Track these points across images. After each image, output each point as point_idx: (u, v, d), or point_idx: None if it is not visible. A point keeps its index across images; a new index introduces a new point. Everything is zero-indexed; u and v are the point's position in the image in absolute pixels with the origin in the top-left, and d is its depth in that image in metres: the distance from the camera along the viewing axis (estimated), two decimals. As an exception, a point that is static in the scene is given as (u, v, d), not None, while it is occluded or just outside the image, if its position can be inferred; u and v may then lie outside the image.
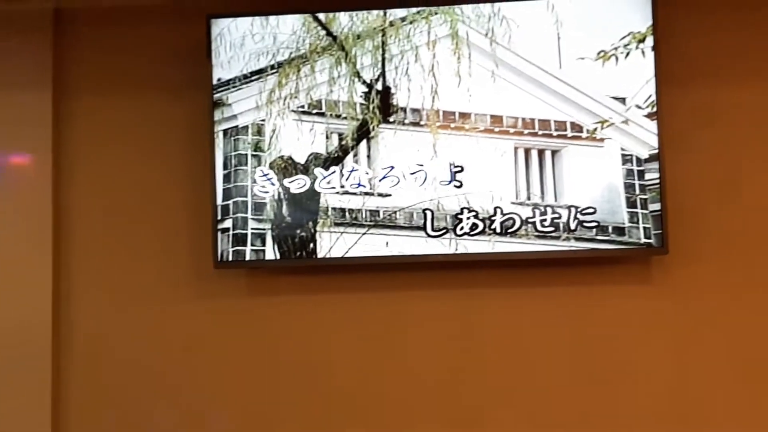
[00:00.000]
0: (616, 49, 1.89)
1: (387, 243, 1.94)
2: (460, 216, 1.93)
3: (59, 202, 2.10)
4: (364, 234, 1.95)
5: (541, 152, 1.95)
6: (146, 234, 2.09)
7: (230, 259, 1.98)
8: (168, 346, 2.08)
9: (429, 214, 1.94)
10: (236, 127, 2.00)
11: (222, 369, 2.05)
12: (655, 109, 1.88)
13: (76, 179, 2.11)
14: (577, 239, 1.91)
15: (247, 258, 1.97)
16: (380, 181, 1.95)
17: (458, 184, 1.94)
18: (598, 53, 1.90)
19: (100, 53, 2.14)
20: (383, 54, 1.97)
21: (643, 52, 1.89)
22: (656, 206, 1.88)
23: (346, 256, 1.94)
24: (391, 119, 1.96)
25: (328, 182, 1.96)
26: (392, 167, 1.95)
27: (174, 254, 2.08)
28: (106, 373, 2.08)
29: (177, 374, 2.07)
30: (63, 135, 2.12)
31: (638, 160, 1.90)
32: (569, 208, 1.91)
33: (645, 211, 1.88)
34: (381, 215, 1.95)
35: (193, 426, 2.06)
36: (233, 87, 1.99)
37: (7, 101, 2.11)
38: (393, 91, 1.96)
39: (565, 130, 1.92)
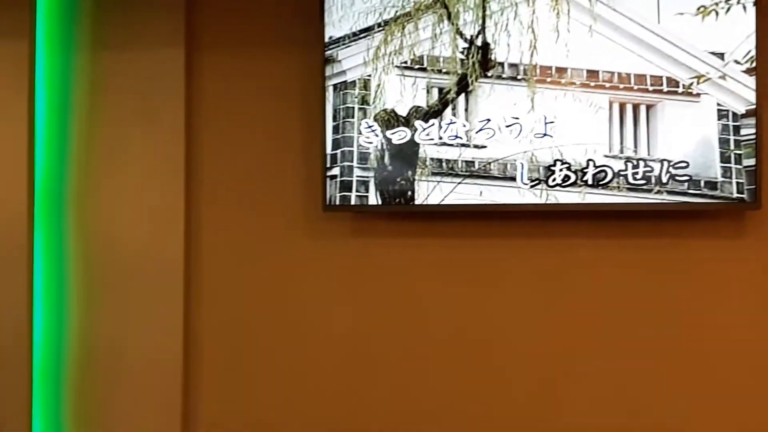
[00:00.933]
0: (716, 4, 1.89)
1: (481, 192, 2.06)
2: (552, 168, 2.01)
3: (190, 150, 2.35)
4: (459, 183, 2.07)
5: (636, 107, 1.98)
6: (263, 179, 2.31)
7: (337, 203, 2.16)
8: (280, 280, 2.30)
9: (522, 165, 2.03)
10: (345, 82, 2.16)
11: (326, 302, 2.26)
12: (754, 65, 1.87)
13: (204, 129, 2.35)
14: (669, 192, 1.95)
15: (352, 203, 2.15)
16: (477, 133, 2.06)
17: (552, 136, 2.01)
18: (698, 8, 1.90)
19: (227, 13, 2.34)
20: (484, 11, 2.05)
21: (744, 7, 1.87)
22: (751, 162, 1.89)
23: (442, 203, 2.08)
24: (490, 74, 2.05)
25: (427, 134, 2.09)
26: (488, 120, 2.05)
27: (287, 198, 2.28)
28: (228, 301, 2.34)
29: (287, 304, 2.29)
30: (193, 88, 2.35)
31: (734, 115, 1.90)
32: (662, 161, 1.95)
33: (739, 167, 1.89)
34: (476, 166, 2.06)
35: (300, 354, 2.28)
36: (343, 44, 2.15)
37: (145, 58, 2.37)
38: (492, 46, 2.05)
39: (661, 85, 1.95)
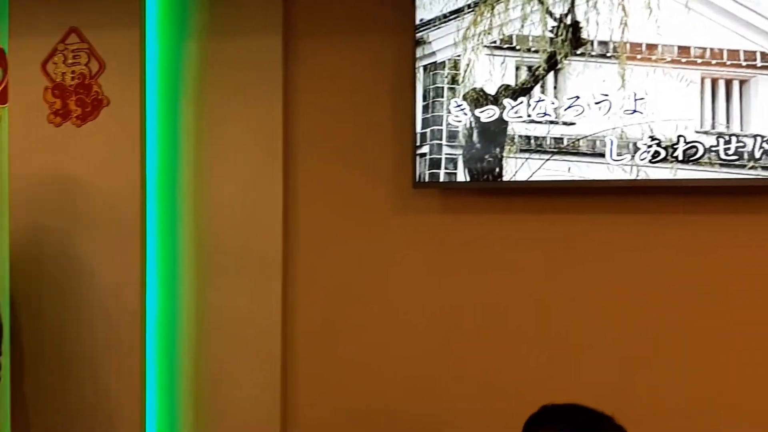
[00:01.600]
0: (815, -24, 1.87)
1: (569, 168, 2.09)
2: (642, 144, 2.03)
3: (288, 131, 2.47)
4: (547, 160, 2.11)
5: (728, 82, 1.97)
6: (355, 159, 2.41)
7: (426, 180, 2.24)
8: (371, 256, 2.39)
9: (612, 141, 2.05)
10: (434, 62, 2.23)
11: (416, 277, 2.34)
12: None
13: (300, 111, 2.47)
14: (763, 168, 1.93)
15: (441, 180, 2.22)
16: (565, 110, 2.09)
17: (642, 113, 2.03)
18: (796, -19, 1.88)
19: (321, 2, 2.44)
20: (573, -11, 2.09)
21: None
22: None
23: (530, 179, 2.13)
24: (579, 51, 2.08)
25: (516, 112, 2.14)
26: (577, 97, 2.08)
27: (378, 176, 2.37)
28: (322, 277, 2.45)
29: (378, 280, 2.39)
30: (290, 73, 2.48)
31: (832, 88, 1.87)
32: (755, 137, 1.93)
33: (837, 140, 1.86)
34: (564, 142, 2.10)
35: (390, 329, 2.37)
36: (433, 26, 2.22)
37: (246, 45, 2.51)
38: (582, 24, 2.08)
39: (755, 60, 1.93)
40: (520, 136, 2.13)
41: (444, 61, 2.22)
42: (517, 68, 2.14)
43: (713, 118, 1.98)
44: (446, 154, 2.22)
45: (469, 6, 2.17)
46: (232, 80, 2.53)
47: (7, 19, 2.72)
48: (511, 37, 2.14)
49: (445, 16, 2.20)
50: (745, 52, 1.94)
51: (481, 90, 2.17)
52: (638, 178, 2.03)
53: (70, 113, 2.62)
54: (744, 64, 1.95)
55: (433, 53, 2.23)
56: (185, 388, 2.60)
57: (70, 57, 2.63)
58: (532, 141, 2.12)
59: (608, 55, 2.05)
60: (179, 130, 2.59)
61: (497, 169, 2.16)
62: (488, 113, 2.16)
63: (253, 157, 2.50)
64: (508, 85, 2.14)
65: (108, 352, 2.57)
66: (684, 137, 1.99)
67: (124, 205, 2.56)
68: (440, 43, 2.22)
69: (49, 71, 2.66)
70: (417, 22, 2.23)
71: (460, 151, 2.20)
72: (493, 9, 2.15)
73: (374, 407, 2.39)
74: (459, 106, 2.20)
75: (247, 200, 2.51)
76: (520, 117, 2.13)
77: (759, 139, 1.93)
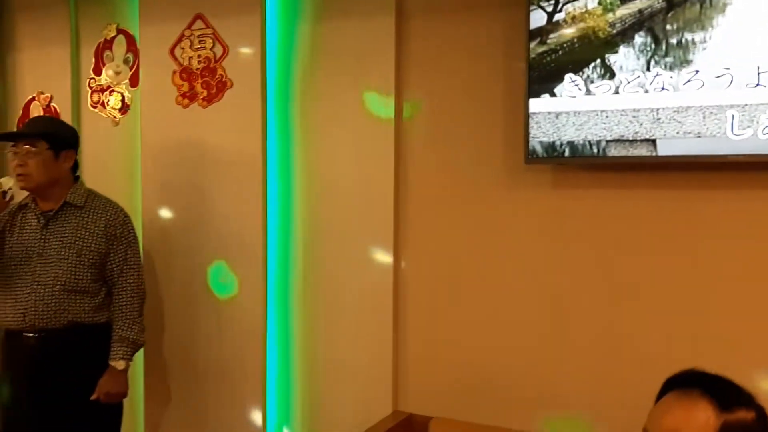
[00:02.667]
0: None
1: (684, 144, 2.07)
2: (766, 118, 1.98)
3: (399, 108, 2.56)
4: (661, 138, 2.10)
5: None
6: (466, 134, 2.46)
7: (539, 156, 2.27)
8: (482, 230, 2.45)
9: (733, 116, 2.02)
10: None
11: (526, 250, 2.38)
12: None
13: (412, 88, 2.55)
14: None
15: (554, 155, 2.25)
16: (684, 84, 2.07)
17: (766, 86, 1.98)
18: None
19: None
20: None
21: None
22: None
23: (643, 155, 2.12)
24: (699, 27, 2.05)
25: (631, 87, 2.13)
26: (697, 71, 2.06)
27: (490, 151, 2.42)
28: (432, 250, 2.54)
29: (488, 254, 2.44)
30: (402, 52, 2.55)
31: None
32: None
33: None
34: (681, 116, 2.07)
35: (499, 305, 2.43)
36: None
37: (360, 26, 2.59)
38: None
39: None
40: (633, 110, 2.13)
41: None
42: (633, 39, 2.13)
43: None
44: (559, 129, 2.24)
45: (584, -19, 2.17)
46: (346, 61, 2.63)
47: (138, 7, 2.93)
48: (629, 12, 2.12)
49: (558, -8, 2.21)
50: None
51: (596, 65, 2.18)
52: (760, 153, 1.99)
53: (197, 95, 2.81)
54: None
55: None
56: (301, 347, 2.77)
57: (196, 42, 2.80)
58: (646, 115, 2.11)
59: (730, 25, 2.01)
60: (296, 109, 2.73)
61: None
62: (603, 89, 2.17)
63: (364, 131, 2.60)
64: (625, 61, 2.14)
65: (232, 304, 2.76)
66: (811, 110, 1.93)
67: (248, 180, 2.73)
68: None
69: (176, 56, 2.85)
70: (530, -2, 2.25)
71: (572, 127, 2.21)
72: (609, -17, 2.14)
73: (482, 379, 2.47)
74: (573, 81, 2.21)
75: (357, 176, 2.63)
76: (636, 92, 2.12)
77: None
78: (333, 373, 2.71)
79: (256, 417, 2.76)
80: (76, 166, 2.59)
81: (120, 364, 2.50)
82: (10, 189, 2.44)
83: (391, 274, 2.57)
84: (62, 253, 2.47)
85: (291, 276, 2.77)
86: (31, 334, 2.46)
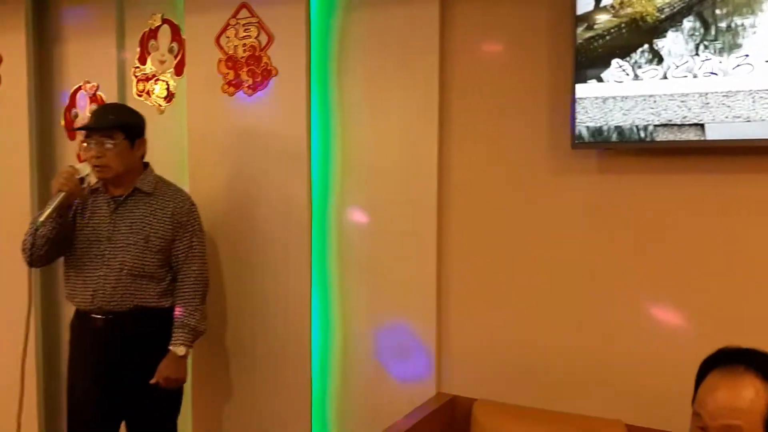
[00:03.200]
0: None
1: (733, 128, 2.08)
2: (816, 101, 1.99)
3: (443, 93, 2.58)
4: (709, 122, 2.11)
5: None
6: (512, 119, 2.48)
7: (585, 140, 2.29)
8: (527, 215, 2.48)
9: (782, 99, 2.03)
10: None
11: (571, 234, 2.40)
12: None
13: (456, 74, 2.57)
14: None
15: (600, 140, 2.27)
16: (733, 69, 2.08)
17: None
18: None
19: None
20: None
21: None
22: None
23: (691, 139, 2.14)
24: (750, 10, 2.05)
25: (678, 71, 2.14)
26: (746, 55, 2.06)
27: (536, 136, 2.44)
28: (475, 235, 2.57)
29: (533, 239, 2.47)
30: (446, 38, 2.58)
31: None
32: None
33: None
34: (730, 101, 2.08)
35: (544, 289, 2.45)
36: (593, -13, 2.25)
37: (403, 13, 2.62)
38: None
39: None
40: (682, 95, 2.14)
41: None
42: (682, 24, 2.14)
43: None
44: (605, 114, 2.25)
45: (632, -34, 2.18)
46: (390, 48, 2.66)
47: (183, -3, 2.99)
48: (676, -4, 2.14)
49: (606, -26, 2.22)
50: None
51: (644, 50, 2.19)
52: (811, 136, 2.00)
53: (242, 83, 2.86)
54: None
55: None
56: (344, 331, 2.82)
57: (242, 31, 2.85)
58: (695, 100, 2.12)
59: (781, 10, 2.01)
60: (340, 97, 2.77)
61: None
62: (651, 73, 2.18)
63: (409, 117, 2.63)
64: (672, 46, 2.15)
65: (277, 290, 2.82)
66: None
67: (293, 166, 2.78)
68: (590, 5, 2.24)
69: (222, 44, 2.90)
70: (576, -19, 2.26)
71: (619, 112, 2.23)
72: (657, -32, 2.15)
73: (526, 362, 2.51)
74: (620, 66, 2.22)
75: (401, 163, 2.66)
76: (685, 77, 2.13)
77: None
78: (378, 355, 2.76)
79: (303, 401, 2.81)
80: (144, 153, 2.65)
81: (180, 350, 2.56)
82: (87, 175, 2.51)
83: (435, 257, 2.61)
84: (130, 238, 2.54)
85: (334, 261, 2.82)
86: (98, 316, 2.55)
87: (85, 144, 2.57)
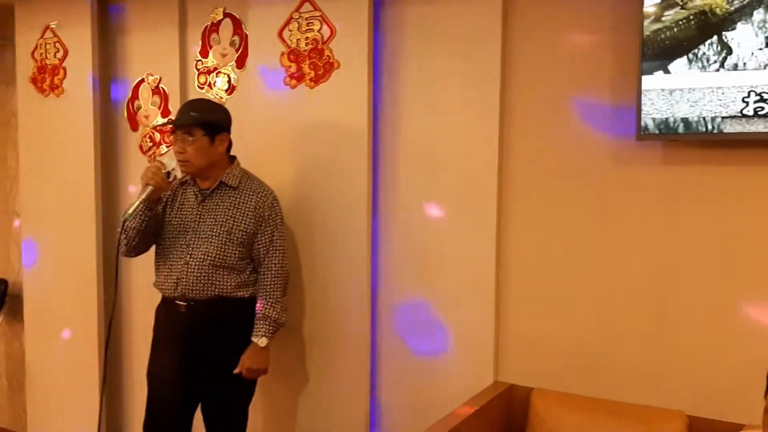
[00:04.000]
0: None
1: (807, 119, 2.09)
2: None
3: (505, 85, 2.62)
4: (782, 111, 2.12)
5: None
6: (575, 110, 2.50)
7: (650, 131, 2.31)
8: (591, 202, 2.49)
9: None
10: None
11: (634, 225, 2.42)
12: None
13: (518, 66, 2.60)
14: None
15: (666, 131, 2.28)
16: (804, 60, 2.08)
17: None
18: None
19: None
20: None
21: None
22: None
23: (759, 131, 2.14)
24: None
25: (746, 59, 2.15)
26: (816, 47, 2.07)
27: (599, 127, 2.45)
28: (536, 225, 2.60)
29: (595, 230, 2.49)
30: (508, 26, 2.61)
31: None
32: None
33: None
34: (802, 93, 2.09)
35: (605, 280, 2.48)
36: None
37: (465, 5, 2.64)
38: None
39: None
40: (751, 86, 2.14)
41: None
42: (752, 16, 2.14)
43: None
44: (671, 106, 2.26)
45: (702, -42, 2.19)
46: (452, 40, 2.70)
47: (245, -9, 3.05)
48: (747, -12, 2.14)
49: (674, -36, 2.23)
50: None
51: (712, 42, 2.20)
52: None
53: (304, 76, 2.92)
54: None
55: (660, 6, 2.27)
56: (403, 305, 2.87)
57: (304, 24, 2.91)
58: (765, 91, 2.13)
59: None
60: (401, 90, 2.81)
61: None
62: (719, 65, 2.19)
63: (469, 114, 2.67)
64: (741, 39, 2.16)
65: (336, 278, 2.89)
66: None
67: (354, 158, 2.83)
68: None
69: (285, 38, 2.96)
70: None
71: (685, 104, 2.24)
72: (728, -40, 2.15)
73: (585, 352, 2.54)
74: (688, 58, 2.23)
75: (462, 153, 2.70)
76: (756, 68, 2.14)
77: None
78: (436, 344, 2.80)
79: (362, 388, 2.87)
80: (230, 147, 2.74)
81: (262, 342, 2.65)
82: (173, 169, 2.64)
83: (494, 247, 2.64)
84: (214, 230, 2.65)
85: (393, 252, 2.87)
86: (182, 303, 2.66)
87: (172, 138, 2.69)
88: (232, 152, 2.78)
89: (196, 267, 2.62)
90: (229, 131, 2.71)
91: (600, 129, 2.46)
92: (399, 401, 2.91)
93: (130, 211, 2.57)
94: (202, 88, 3.29)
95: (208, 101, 2.82)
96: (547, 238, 2.59)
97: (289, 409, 3.05)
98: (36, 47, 3.63)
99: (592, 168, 2.48)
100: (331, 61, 2.86)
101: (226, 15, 3.22)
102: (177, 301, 2.66)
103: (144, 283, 3.15)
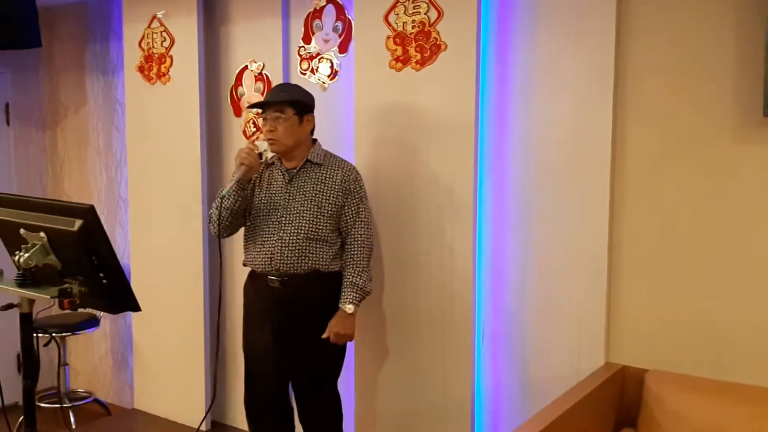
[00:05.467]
0: None
1: None
2: None
3: (619, 62, 2.59)
4: None
5: None
6: (698, 87, 2.45)
7: (778, 108, 2.26)
8: (710, 181, 2.45)
9: None
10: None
11: (757, 204, 2.37)
12: None
13: (633, 43, 2.56)
14: None
15: (795, 108, 2.23)
16: None
17: None
18: None
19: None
20: None
21: None
22: None
23: None
24: None
25: None
26: None
27: (723, 104, 2.41)
28: (652, 204, 2.57)
29: (715, 205, 2.44)
30: (623, 8, 2.57)
31: None
32: None
33: None
34: None
35: (724, 264, 2.44)
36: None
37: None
38: None
39: None
40: None
41: (802, -12, 2.19)
42: None
43: None
44: (801, 82, 2.20)
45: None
46: (563, 21, 2.68)
47: (353, -22, 3.09)
48: None
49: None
50: None
51: None
52: None
53: (410, 59, 2.95)
54: None
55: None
56: (511, 300, 2.88)
57: (411, 8, 2.93)
58: None
59: None
60: (510, 72, 2.81)
61: None
62: None
63: (581, 95, 2.66)
64: None
65: (442, 261, 2.92)
66: None
67: (460, 141, 2.85)
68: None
69: (390, 22, 2.99)
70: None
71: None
72: None
73: (700, 333, 2.50)
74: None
75: (573, 133, 2.69)
76: None
77: None
78: (545, 324, 2.81)
79: (466, 365, 2.90)
80: (312, 129, 2.83)
81: (349, 308, 2.72)
82: (265, 151, 2.76)
83: (607, 226, 2.63)
84: (305, 205, 2.74)
85: (500, 233, 2.88)
86: (275, 278, 2.74)
87: (262, 120, 2.78)
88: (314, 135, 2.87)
89: (290, 241, 2.71)
90: (313, 113, 2.80)
91: (723, 106, 2.41)
92: (505, 381, 2.92)
93: (225, 191, 2.70)
94: (304, 74, 3.36)
95: (296, 85, 2.97)
96: (663, 216, 2.55)
97: (393, 386, 3.10)
98: (143, 37, 3.78)
99: (714, 146, 2.44)
100: (438, 42, 2.88)
101: (329, 1, 3.28)
102: (270, 276, 2.74)
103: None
